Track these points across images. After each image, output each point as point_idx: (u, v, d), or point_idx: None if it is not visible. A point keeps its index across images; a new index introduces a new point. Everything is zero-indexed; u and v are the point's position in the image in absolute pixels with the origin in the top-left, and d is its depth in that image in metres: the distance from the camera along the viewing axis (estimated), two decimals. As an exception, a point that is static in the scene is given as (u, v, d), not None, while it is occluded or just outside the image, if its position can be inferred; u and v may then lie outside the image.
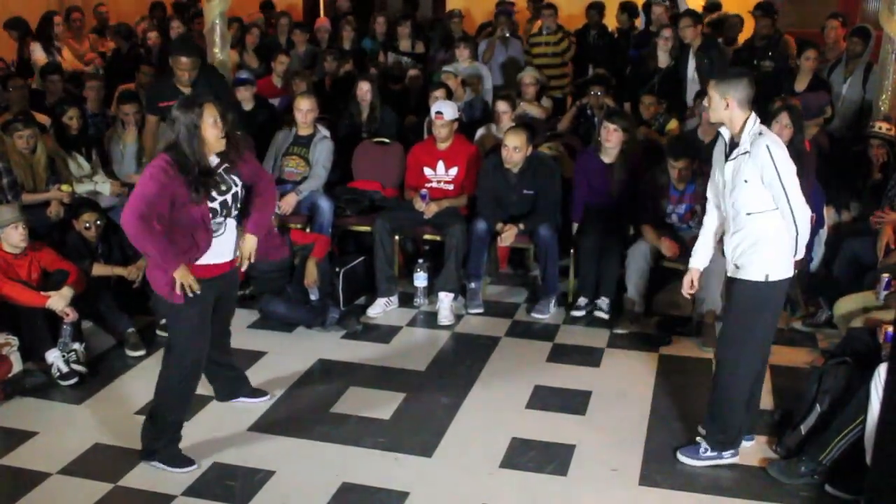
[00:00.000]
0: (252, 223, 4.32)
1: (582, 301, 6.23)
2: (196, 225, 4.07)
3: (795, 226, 4.04)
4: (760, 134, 4.05)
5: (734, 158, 4.09)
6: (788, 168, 4.00)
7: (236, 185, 4.21)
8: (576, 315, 6.20)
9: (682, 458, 4.41)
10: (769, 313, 4.19)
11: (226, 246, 4.25)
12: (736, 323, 4.21)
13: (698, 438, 4.44)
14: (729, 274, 4.24)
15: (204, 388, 4.64)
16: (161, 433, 4.30)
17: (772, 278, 4.08)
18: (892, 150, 6.38)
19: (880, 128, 6.40)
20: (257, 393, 4.97)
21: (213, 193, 4.09)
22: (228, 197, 4.17)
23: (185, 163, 3.97)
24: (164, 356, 4.32)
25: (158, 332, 5.78)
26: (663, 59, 7.95)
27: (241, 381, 4.94)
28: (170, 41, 9.38)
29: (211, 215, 4.12)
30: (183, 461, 4.32)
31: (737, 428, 4.32)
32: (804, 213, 4.05)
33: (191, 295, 4.07)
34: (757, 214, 4.06)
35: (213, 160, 4.12)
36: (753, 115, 4.09)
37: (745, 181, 4.04)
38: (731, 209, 4.16)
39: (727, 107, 4.05)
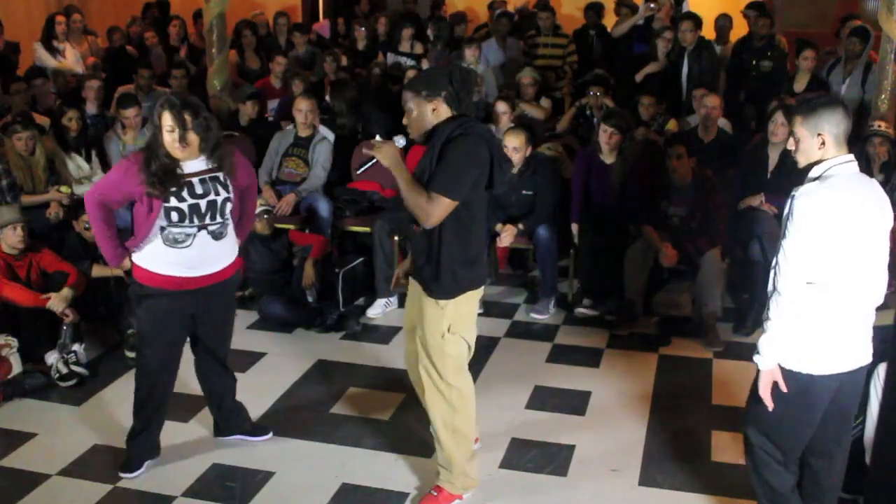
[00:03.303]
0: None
1: (587, 302, 6.23)
2: (145, 222, 3.95)
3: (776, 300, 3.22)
4: (816, 179, 3.22)
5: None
6: (806, 232, 3.13)
7: (218, 195, 4.01)
8: (581, 316, 6.20)
9: None
10: (791, 407, 3.34)
11: (194, 260, 4.04)
12: (755, 401, 3.43)
13: None
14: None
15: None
16: (131, 431, 4.33)
17: (787, 366, 3.30)
18: (894, 149, 6.38)
19: (880, 126, 6.41)
20: (258, 431, 4.64)
21: (184, 193, 3.92)
22: (203, 203, 3.96)
23: (149, 160, 3.88)
24: None
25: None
26: (662, 60, 7.97)
27: (241, 417, 4.62)
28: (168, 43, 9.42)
29: (177, 218, 3.94)
30: (130, 466, 4.29)
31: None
32: (788, 293, 3.18)
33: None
34: None
35: (198, 164, 3.98)
36: (842, 159, 3.24)
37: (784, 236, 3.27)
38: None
39: (823, 144, 3.24)
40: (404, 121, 3.81)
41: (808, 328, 3.24)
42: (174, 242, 3.98)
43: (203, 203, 3.97)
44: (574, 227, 6.40)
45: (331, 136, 7.11)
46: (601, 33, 9.64)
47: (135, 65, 8.49)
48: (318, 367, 5.49)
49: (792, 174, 5.76)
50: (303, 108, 6.85)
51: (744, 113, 7.94)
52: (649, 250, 5.96)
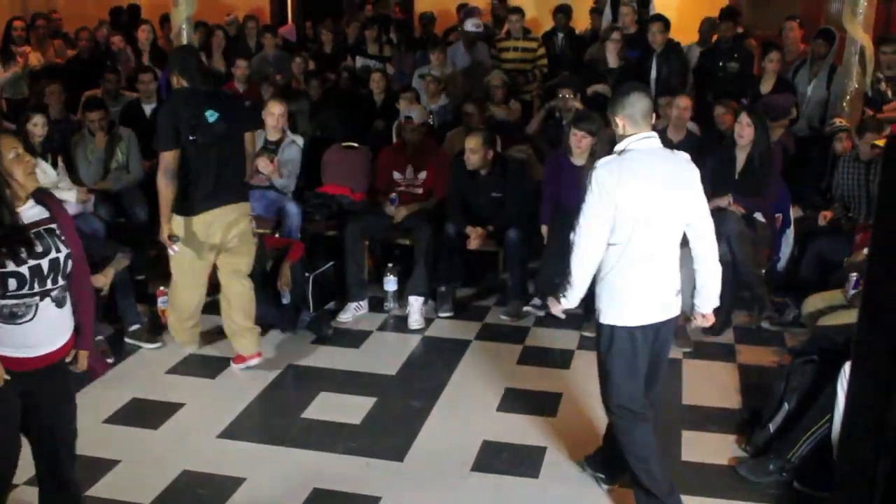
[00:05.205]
0: (82, 337, 3.40)
1: (537, 301, 6.26)
2: None
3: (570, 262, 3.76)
4: (616, 154, 3.69)
5: None
6: (592, 200, 3.66)
7: (59, 251, 3.19)
8: (529, 312, 6.25)
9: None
10: (610, 357, 3.81)
11: (36, 336, 3.21)
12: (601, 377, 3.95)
13: None
14: None
15: (177, 393, 4.60)
16: None
17: (601, 319, 3.79)
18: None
19: (841, 122, 6.51)
20: None
21: (23, 254, 3.08)
22: (45, 263, 3.14)
23: None
24: None
25: (127, 340, 5.75)
26: (612, 61, 8.02)
27: None
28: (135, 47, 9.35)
29: (16, 286, 3.08)
30: None
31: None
32: (580, 254, 3.74)
33: None
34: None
35: (30, 212, 3.18)
36: (639, 136, 3.67)
37: None
38: None
39: (619, 125, 3.71)
40: None
41: (620, 286, 3.69)
42: (11, 318, 3.14)
43: (45, 263, 3.15)
44: (544, 229, 6.42)
45: (300, 139, 7.08)
46: (569, 35, 9.67)
47: (102, 69, 8.41)
48: (290, 372, 5.47)
49: (759, 174, 5.88)
50: (275, 111, 6.69)
51: (711, 114, 8.00)
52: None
